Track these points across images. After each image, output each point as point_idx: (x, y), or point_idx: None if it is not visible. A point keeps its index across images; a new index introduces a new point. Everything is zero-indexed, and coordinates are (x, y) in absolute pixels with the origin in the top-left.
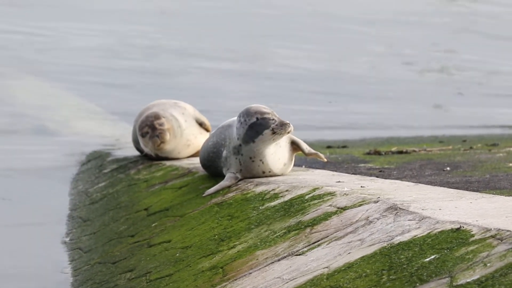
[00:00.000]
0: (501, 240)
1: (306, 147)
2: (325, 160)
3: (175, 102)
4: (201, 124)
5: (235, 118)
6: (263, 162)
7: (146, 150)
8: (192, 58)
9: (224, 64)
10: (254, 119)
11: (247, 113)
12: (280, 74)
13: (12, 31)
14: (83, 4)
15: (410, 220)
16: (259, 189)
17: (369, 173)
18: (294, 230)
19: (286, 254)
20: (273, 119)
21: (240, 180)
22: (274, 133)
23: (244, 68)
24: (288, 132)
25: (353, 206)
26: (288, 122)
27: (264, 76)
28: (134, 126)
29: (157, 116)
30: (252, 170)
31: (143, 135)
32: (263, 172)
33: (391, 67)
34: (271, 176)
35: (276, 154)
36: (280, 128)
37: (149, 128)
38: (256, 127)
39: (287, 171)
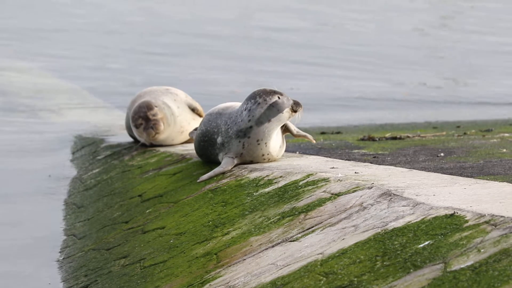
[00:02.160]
0: (495, 226)
1: (294, 128)
2: (314, 141)
3: (166, 88)
4: (193, 110)
5: (229, 104)
6: (266, 145)
7: (141, 139)
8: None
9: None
10: (276, 98)
11: (265, 93)
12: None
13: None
14: None
15: (404, 206)
16: (253, 175)
17: (363, 159)
18: (288, 216)
19: (280, 240)
20: (288, 98)
21: (235, 166)
22: (293, 111)
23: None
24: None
25: (347, 192)
26: (297, 101)
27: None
28: (127, 113)
29: (149, 106)
30: (254, 153)
31: (137, 127)
32: (263, 155)
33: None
34: (268, 159)
35: (276, 135)
36: (297, 106)
37: (143, 120)
38: (278, 106)
39: (281, 153)
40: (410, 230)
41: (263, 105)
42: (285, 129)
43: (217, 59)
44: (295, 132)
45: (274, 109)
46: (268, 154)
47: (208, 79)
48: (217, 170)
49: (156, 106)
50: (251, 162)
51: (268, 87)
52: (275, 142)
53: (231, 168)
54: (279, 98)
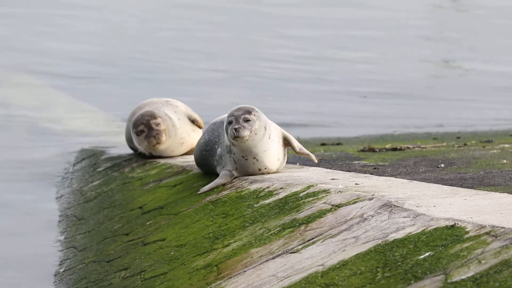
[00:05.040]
0: (496, 237)
1: (297, 145)
2: (316, 161)
3: (166, 100)
4: (193, 122)
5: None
6: (257, 160)
7: (140, 148)
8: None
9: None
10: (227, 121)
11: (230, 113)
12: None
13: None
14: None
15: (405, 217)
16: (254, 186)
17: (363, 170)
18: (289, 228)
19: (280, 252)
20: (238, 122)
21: (235, 177)
22: (232, 138)
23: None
24: (236, 138)
25: (348, 203)
26: (237, 127)
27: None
28: (127, 125)
29: (153, 116)
30: (248, 168)
31: (137, 134)
32: (259, 170)
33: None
34: (267, 173)
35: (269, 150)
36: (232, 136)
37: (145, 127)
38: (226, 129)
39: (282, 166)
40: (411, 242)
41: (225, 123)
42: (287, 143)
43: (219, 72)
44: (297, 149)
45: (226, 131)
46: (265, 168)
47: (207, 89)
48: (217, 181)
49: (159, 117)
50: (251, 175)
51: (245, 104)
52: (270, 156)
53: (232, 180)
54: (230, 122)
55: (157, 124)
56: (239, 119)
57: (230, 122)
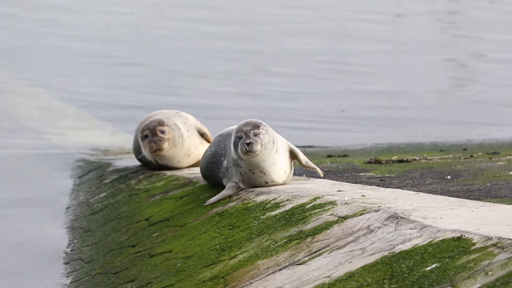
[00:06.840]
0: (503, 249)
1: (303, 159)
2: (322, 175)
3: (177, 112)
4: (202, 135)
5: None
6: (264, 173)
7: (146, 154)
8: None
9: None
10: (236, 136)
11: (237, 128)
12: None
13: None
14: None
15: (411, 229)
16: (260, 198)
17: (370, 182)
18: (295, 240)
19: (287, 263)
20: (248, 137)
21: (242, 189)
22: (244, 153)
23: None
24: (247, 153)
25: (354, 215)
26: (249, 141)
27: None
28: (135, 135)
29: (161, 123)
30: (255, 181)
31: (142, 138)
32: (266, 182)
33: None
34: (274, 185)
35: (276, 164)
36: (243, 151)
37: (150, 132)
38: (235, 144)
39: (288, 179)
40: (418, 253)
41: (233, 139)
42: (294, 156)
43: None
44: (303, 162)
45: (235, 146)
46: (272, 181)
47: (217, 102)
48: (224, 193)
49: (167, 125)
50: (258, 187)
51: (248, 120)
52: (277, 169)
53: (238, 191)
54: (239, 137)
55: (162, 132)
56: (249, 133)
57: (240, 137)
